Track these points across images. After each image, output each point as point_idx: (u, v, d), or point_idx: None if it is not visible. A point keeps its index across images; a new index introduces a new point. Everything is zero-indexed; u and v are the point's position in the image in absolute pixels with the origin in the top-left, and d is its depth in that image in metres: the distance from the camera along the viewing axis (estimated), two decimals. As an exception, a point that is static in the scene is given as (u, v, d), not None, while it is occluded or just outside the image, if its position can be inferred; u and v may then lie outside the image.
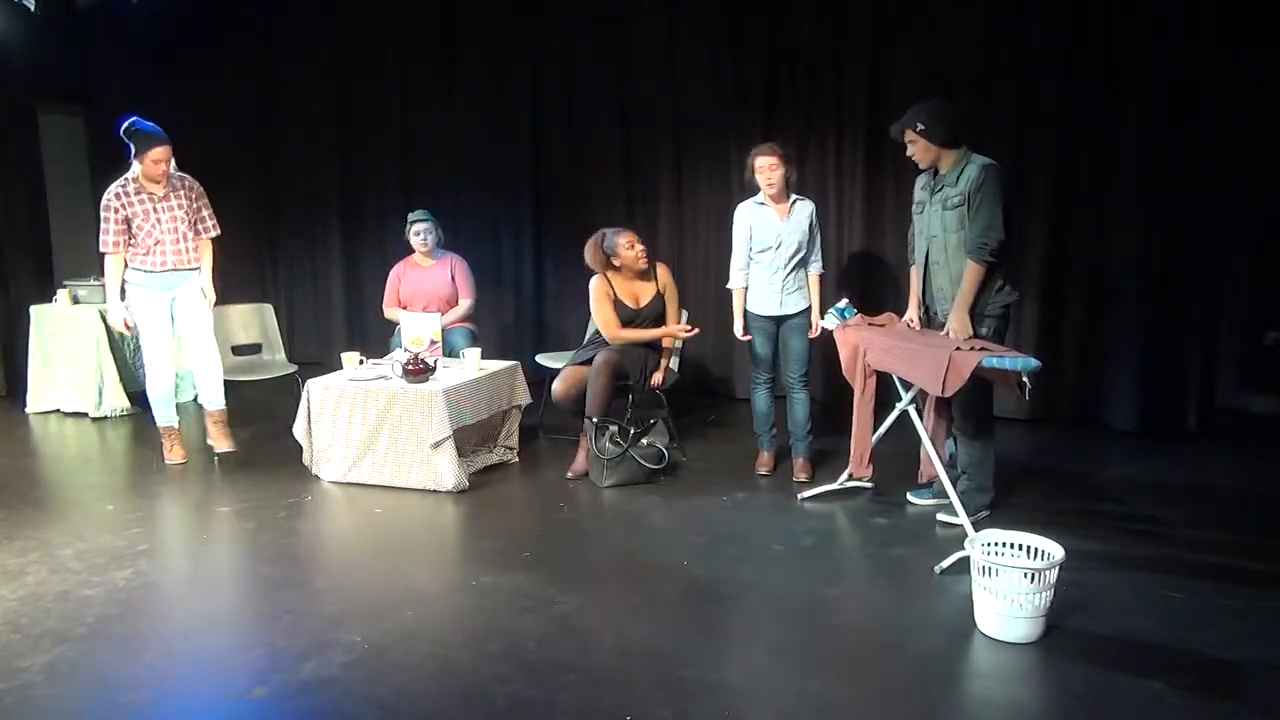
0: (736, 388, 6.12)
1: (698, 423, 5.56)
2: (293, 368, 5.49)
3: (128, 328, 4.71)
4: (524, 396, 4.91)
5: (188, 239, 4.67)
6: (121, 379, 5.85)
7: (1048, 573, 2.87)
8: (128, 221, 4.57)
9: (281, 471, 4.69)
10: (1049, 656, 2.81)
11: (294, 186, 7.33)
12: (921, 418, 3.91)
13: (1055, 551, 2.96)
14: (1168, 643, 2.88)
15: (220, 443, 4.83)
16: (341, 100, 7.04)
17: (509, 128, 6.53)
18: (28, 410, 5.95)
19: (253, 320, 5.77)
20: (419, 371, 4.41)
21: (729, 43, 5.87)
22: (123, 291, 4.70)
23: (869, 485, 4.22)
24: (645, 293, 4.70)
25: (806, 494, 4.22)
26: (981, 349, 3.48)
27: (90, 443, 5.42)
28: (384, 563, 3.63)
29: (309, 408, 4.50)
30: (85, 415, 5.82)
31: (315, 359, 7.04)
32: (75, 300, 5.93)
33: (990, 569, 2.92)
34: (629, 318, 4.64)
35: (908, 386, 3.86)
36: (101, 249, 4.62)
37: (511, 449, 4.88)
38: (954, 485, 3.79)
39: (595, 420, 4.42)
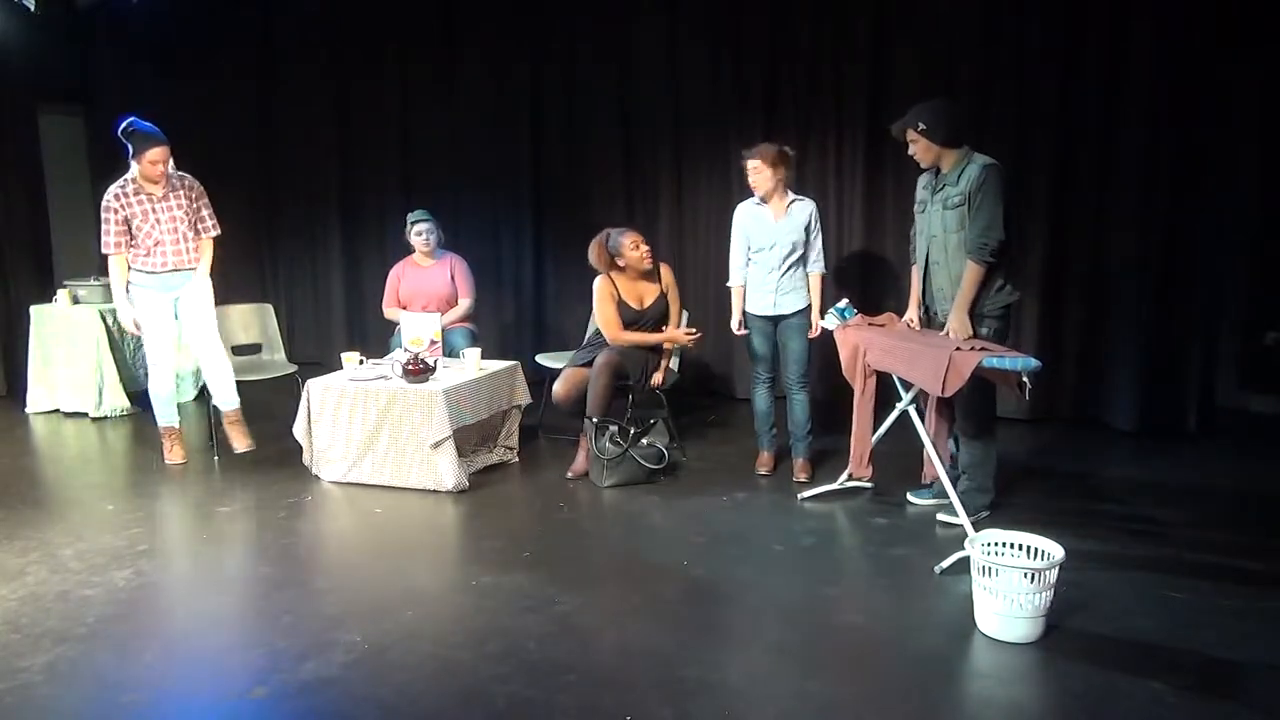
0: (736, 388, 6.12)
1: (698, 423, 5.56)
2: (293, 368, 5.48)
3: (137, 328, 4.71)
4: (524, 396, 4.91)
5: (188, 239, 4.67)
6: (121, 379, 5.85)
7: (1048, 573, 2.87)
8: (127, 222, 4.56)
9: (281, 471, 4.69)
10: (1049, 656, 2.81)
11: (294, 186, 7.33)
12: (923, 418, 3.91)
13: (1055, 551, 2.96)
14: (1168, 643, 2.88)
15: (239, 442, 4.81)
16: (341, 100, 7.04)
17: (509, 128, 6.53)
18: (28, 410, 5.95)
19: (253, 320, 5.76)
20: (419, 371, 4.41)
21: (729, 43, 5.87)
22: (126, 291, 4.70)
23: (869, 485, 4.22)
24: (649, 293, 4.70)
25: (806, 494, 4.22)
26: (981, 349, 3.48)
27: (90, 443, 5.42)
28: (384, 563, 3.63)
29: (309, 408, 4.50)
30: (85, 415, 5.82)
31: (315, 359, 7.04)
32: (75, 300, 5.93)
33: (990, 569, 2.92)
34: (633, 318, 4.64)
35: (908, 387, 3.86)
36: (103, 250, 4.62)
37: (511, 449, 4.88)
38: (955, 485, 3.80)
39: (595, 420, 4.42)
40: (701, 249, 6.14)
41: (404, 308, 5.34)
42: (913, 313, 4.02)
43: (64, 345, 5.87)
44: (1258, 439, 5.14)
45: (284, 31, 7.14)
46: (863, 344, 3.91)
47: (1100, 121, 5.12)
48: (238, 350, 5.77)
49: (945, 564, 3.40)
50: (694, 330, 4.78)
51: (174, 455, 4.85)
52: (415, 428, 4.33)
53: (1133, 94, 5.02)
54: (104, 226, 4.57)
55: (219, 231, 4.79)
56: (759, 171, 4.31)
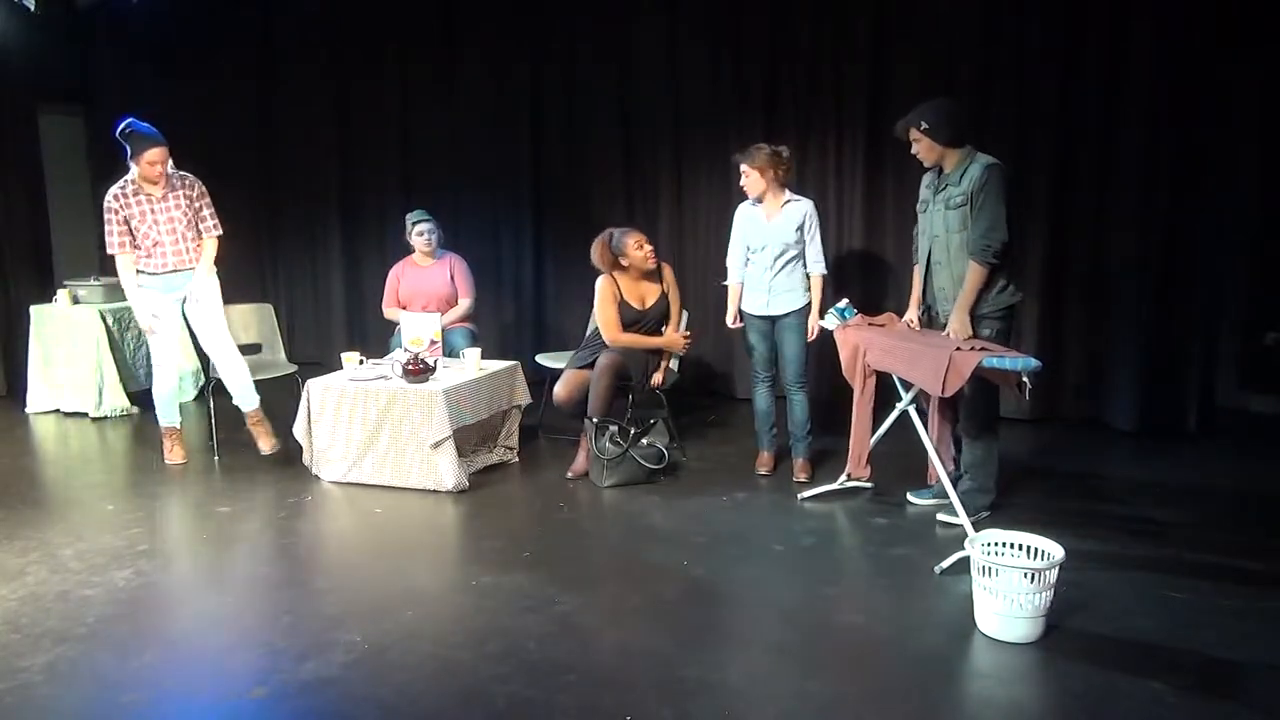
0: (736, 388, 6.12)
1: (698, 423, 5.56)
2: (293, 368, 5.48)
3: (151, 327, 4.70)
4: (524, 396, 4.91)
5: (187, 239, 4.66)
6: (121, 379, 5.85)
7: (1048, 573, 2.87)
8: (127, 222, 4.57)
9: (281, 471, 4.69)
10: (1049, 656, 2.81)
11: (294, 186, 7.33)
12: (924, 419, 3.91)
13: (1055, 551, 2.96)
14: (1168, 643, 2.88)
15: (264, 442, 4.81)
16: (341, 100, 7.04)
17: (509, 128, 6.53)
18: (28, 410, 5.95)
19: (253, 320, 5.76)
20: (419, 371, 4.41)
21: (729, 43, 5.87)
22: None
23: (869, 485, 4.22)
24: (651, 293, 4.71)
25: (806, 494, 4.22)
26: (981, 349, 3.48)
27: (90, 443, 5.42)
28: (384, 563, 3.63)
29: (309, 408, 4.50)
30: (85, 415, 5.82)
31: (315, 359, 7.04)
32: (75, 300, 5.93)
33: (990, 569, 2.92)
34: (634, 319, 4.64)
35: (908, 387, 3.86)
36: (108, 250, 4.63)
37: (511, 449, 4.88)
38: (956, 485, 3.80)
39: (596, 420, 4.42)
40: (701, 249, 6.14)
41: (404, 308, 5.34)
42: (913, 313, 4.02)
43: (64, 345, 5.87)
44: (1258, 439, 5.14)
45: (284, 31, 7.14)
46: (863, 344, 3.91)
47: (1100, 121, 5.12)
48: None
49: (945, 564, 3.40)
50: (688, 334, 4.80)
51: (174, 455, 4.85)
52: (415, 428, 4.33)
53: (1133, 94, 5.02)
54: (107, 227, 4.57)
55: (221, 231, 4.78)
56: (747, 175, 4.35)
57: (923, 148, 3.77)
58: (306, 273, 7.47)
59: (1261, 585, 3.28)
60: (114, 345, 5.84)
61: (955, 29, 5.32)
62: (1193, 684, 2.64)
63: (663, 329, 4.76)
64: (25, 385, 6.02)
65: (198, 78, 7.27)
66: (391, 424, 4.37)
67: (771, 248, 4.35)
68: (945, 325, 3.75)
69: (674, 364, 4.88)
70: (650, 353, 4.70)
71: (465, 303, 5.44)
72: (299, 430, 4.56)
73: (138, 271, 4.64)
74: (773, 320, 4.44)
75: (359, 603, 3.22)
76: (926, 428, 3.89)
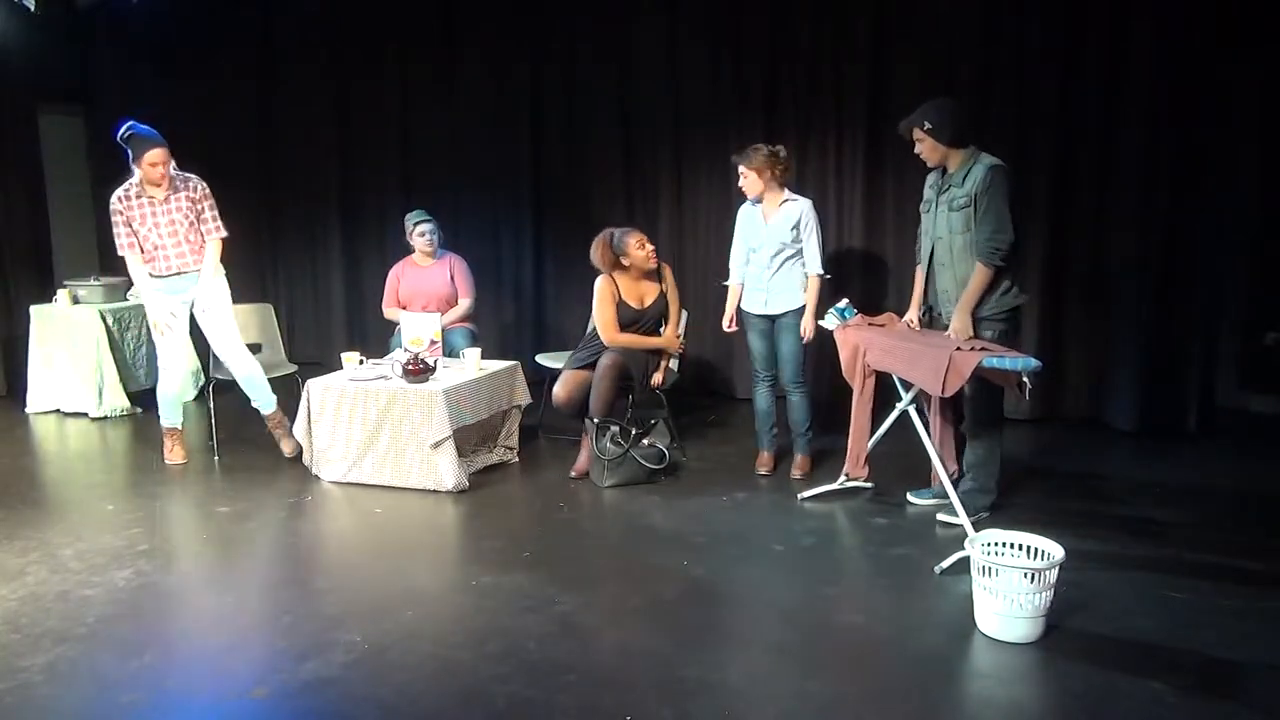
0: (736, 388, 6.12)
1: (698, 423, 5.56)
2: (293, 368, 5.48)
3: (166, 325, 4.69)
4: (524, 396, 4.91)
5: (189, 241, 4.66)
6: (121, 379, 5.85)
7: (1048, 573, 2.87)
8: (130, 224, 4.57)
9: (281, 471, 4.69)
10: (1049, 656, 2.81)
11: (294, 186, 7.33)
12: (924, 419, 3.90)
13: (1055, 551, 2.96)
14: (1168, 643, 2.88)
15: (285, 444, 4.83)
16: (341, 100, 7.03)
17: (509, 128, 6.52)
18: (28, 410, 5.95)
19: (253, 320, 5.75)
20: (419, 371, 4.41)
21: (729, 43, 5.87)
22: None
23: (869, 485, 4.22)
24: (650, 293, 4.71)
25: (806, 494, 4.22)
26: (982, 349, 3.48)
27: (90, 443, 5.42)
28: (384, 563, 3.63)
29: (309, 408, 4.50)
30: (85, 415, 5.82)
31: (315, 359, 7.04)
32: (75, 300, 5.93)
33: (990, 569, 2.92)
34: (633, 318, 4.64)
35: (907, 387, 3.86)
36: (119, 252, 4.64)
37: (511, 449, 4.88)
38: (958, 484, 3.79)
39: (596, 421, 4.42)
40: (701, 249, 6.14)
41: (404, 308, 5.34)
42: (913, 313, 4.02)
43: (64, 345, 5.87)
44: (1258, 439, 5.14)
45: (284, 31, 7.14)
46: (863, 344, 3.91)
47: (1100, 121, 5.12)
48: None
49: (945, 564, 3.40)
50: (680, 336, 4.84)
51: (174, 455, 4.85)
52: (415, 428, 4.33)
53: (1133, 94, 5.02)
54: (114, 230, 4.60)
55: (225, 233, 4.77)
56: (745, 176, 4.36)
57: (926, 148, 3.77)
58: (306, 273, 7.47)
59: (1261, 585, 3.28)
60: (114, 345, 5.84)
61: (955, 29, 5.32)
62: (1193, 684, 2.64)
63: (661, 329, 4.76)
64: (25, 385, 6.02)
65: (198, 78, 7.26)
66: (391, 424, 4.37)
67: (769, 247, 4.36)
68: (948, 326, 3.74)
69: (674, 364, 4.88)
70: (650, 353, 4.70)
71: (465, 303, 5.44)
72: (299, 430, 4.56)
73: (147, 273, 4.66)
74: (772, 320, 4.45)
75: (359, 603, 3.22)
76: (927, 428, 3.88)
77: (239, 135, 7.29)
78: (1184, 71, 4.88)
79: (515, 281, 6.73)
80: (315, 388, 4.51)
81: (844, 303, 4.13)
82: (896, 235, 5.62)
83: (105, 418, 5.79)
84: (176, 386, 4.83)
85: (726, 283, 4.61)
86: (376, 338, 6.16)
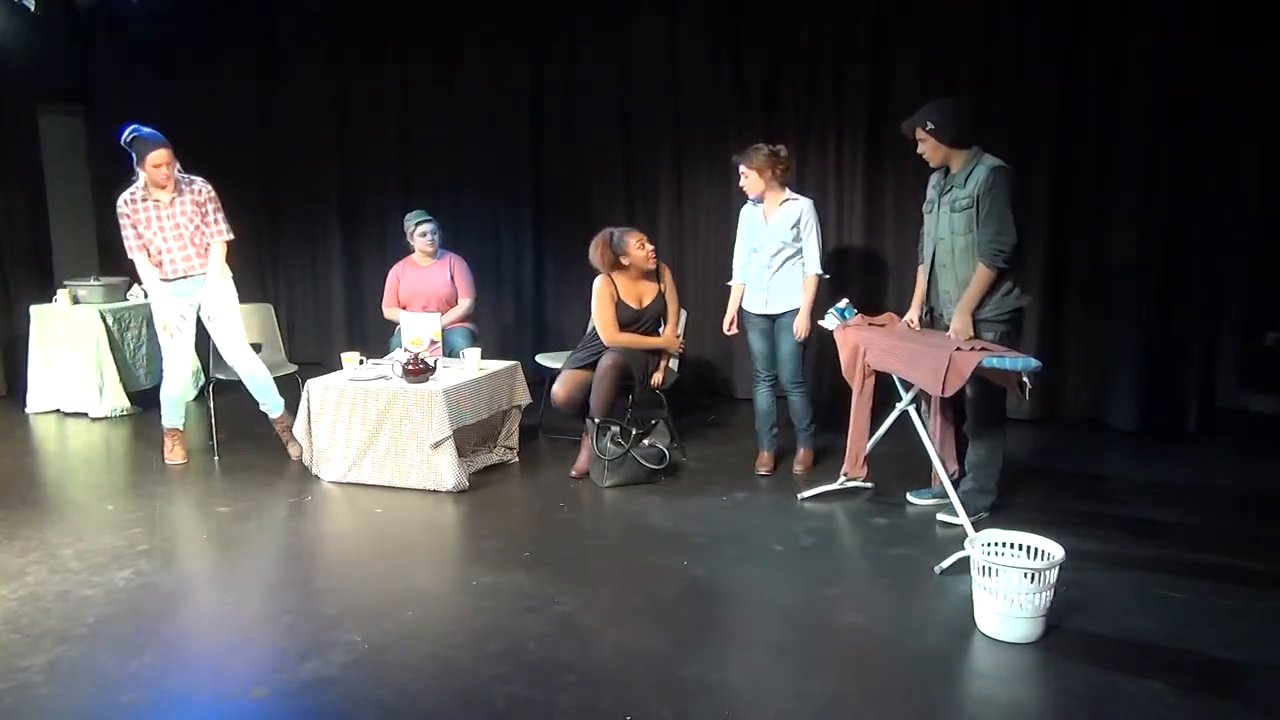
0: (736, 388, 6.12)
1: (698, 423, 5.56)
2: (293, 368, 5.48)
3: (176, 327, 4.69)
4: (524, 396, 4.91)
5: (195, 244, 4.66)
6: (121, 379, 5.85)
7: (1048, 573, 2.87)
8: (136, 226, 4.58)
9: (282, 471, 4.69)
10: (1049, 656, 2.81)
11: (294, 186, 7.32)
12: (924, 419, 3.90)
13: (1055, 551, 2.96)
14: (1168, 643, 2.88)
15: (292, 448, 4.83)
16: (341, 100, 7.03)
17: (509, 128, 6.52)
18: (28, 410, 5.95)
19: (253, 320, 5.74)
20: (419, 371, 4.41)
21: (729, 43, 5.87)
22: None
23: (869, 485, 4.22)
24: (649, 292, 4.71)
25: (806, 494, 4.22)
26: (982, 349, 3.47)
27: (90, 443, 5.42)
28: (384, 563, 3.63)
29: (309, 408, 4.50)
30: (85, 415, 5.82)
31: (315, 359, 7.04)
32: (75, 300, 5.93)
33: (990, 569, 2.92)
34: (632, 318, 4.64)
35: (908, 387, 3.86)
36: (128, 255, 4.66)
37: (511, 449, 4.88)
38: (959, 484, 3.79)
39: (597, 421, 4.42)
40: (701, 249, 6.14)
41: (404, 308, 5.34)
42: (914, 313, 4.02)
43: (64, 345, 5.87)
44: (1258, 439, 5.14)
45: (284, 31, 7.14)
46: (863, 344, 3.90)
47: (1100, 121, 5.12)
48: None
49: (945, 564, 3.40)
50: (679, 336, 4.85)
51: (174, 455, 4.85)
52: (415, 428, 4.33)
53: (1133, 94, 5.02)
54: (122, 232, 4.60)
55: (231, 236, 4.77)
56: (746, 176, 4.38)
57: (928, 148, 3.76)
58: (306, 273, 7.47)
59: (1261, 585, 3.28)
60: (114, 345, 5.83)
61: (955, 29, 5.32)
62: (1193, 684, 2.64)
63: (660, 329, 4.76)
64: (25, 385, 6.02)
65: (198, 78, 7.26)
66: (391, 424, 4.37)
67: (770, 246, 4.38)
68: (948, 327, 3.73)
69: (674, 364, 4.88)
70: (650, 352, 4.70)
71: (465, 303, 5.44)
72: (299, 430, 4.56)
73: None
74: (772, 319, 4.45)
75: (359, 603, 3.22)
76: (927, 428, 3.88)
77: (239, 135, 7.29)
78: (1184, 71, 4.88)
79: (515, 281, 6.73)
80: (315, 388, 4.51)
81: (844, 303, 4.13)
82: (896, 235, 5.62)
83: (105, 418, 5.79)
84: (180, 388, 4.83)
85: (731, 283, 4.61)
86: (376, 338, 6.16)
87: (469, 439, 4.64)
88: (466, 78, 6.60)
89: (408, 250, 5.52)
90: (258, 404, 4.92)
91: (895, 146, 5.33)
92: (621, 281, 4.65)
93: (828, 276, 4.57)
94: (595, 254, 4.64)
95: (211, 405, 5.09)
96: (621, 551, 3.78)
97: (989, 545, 3.08)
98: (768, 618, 3.16)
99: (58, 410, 5.93)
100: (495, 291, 6.60)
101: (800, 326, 4.36)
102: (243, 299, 5.49)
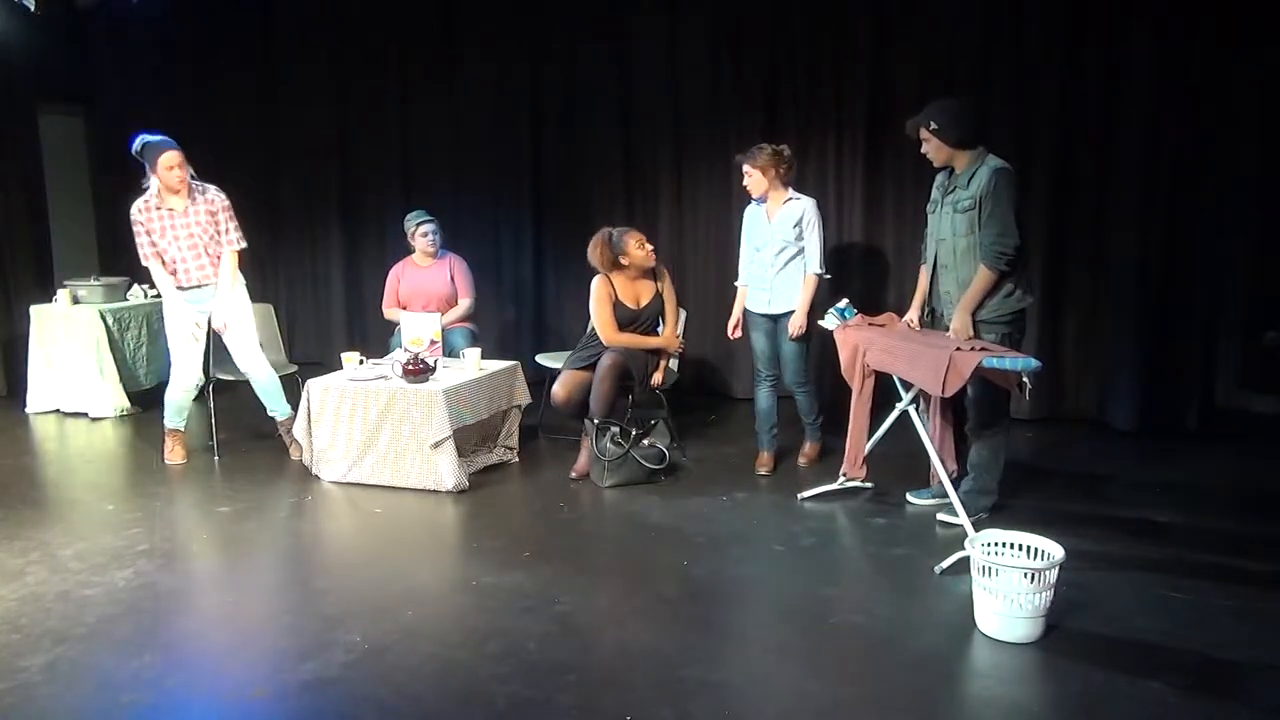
0: (736, 388, 6.12)
1: (698, 423, 5.56)
2: (293, 368, 5.48)
3: (190, 336, 4.72)
4: (524, 396, 4.91)
5: (208, 253, 4.67)
6: (121, 379, 5.85)
7: (1048, 573, 2.87)
8: (150, 234, 4.59)
9: (281, 471, 4.69)
10: (1049, 656, 2.81)
11: (294, 186, 7.32)
12: (924, 419, 3.90)
13: (1055, 551, 2.96)
14: (1168, 643, 2.88)
15: (294, 450, 4.84)
16: (341, 100, 7.03)
17: (509, 128, 6.52)
18: (28, 410, 5.95)
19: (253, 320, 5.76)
20: (419, 371, 4.41)
21: (729, 43, 5.87)
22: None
23: (868, 485, 4.22)
24: (646, 292, 4.71)
25: (806, 494, 4.22)
26: (982, 349, 3.47)
27: (90, 443, 5.41)
28: (384, 563, 3.63)
29: (309, 408, 4.50)
30: (85, 415, 5.82)
31: (315, 359, 7.05)
32: (75, 300, 5.93)
33: (990, 569, 2.92)
34: (629, 318, 4.64)
35: (908, 387, 3.86)
36: (143, 262, 4.67)
37: (511, 449, 4.88)
38: (959, 484, 3.79)
39: (597, 421, 4.42)
40: (701, 249, 6.14)
41: (404, 308, 5.34)
42: (914, 313, 4.02)
43: (64, 345, 5.87)
44: (1258, 439, 5.14)
45: (284, 31, 7.14)
46: (863, 344, 3.90)
47: (1100, 121, 5.12)
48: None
49: (945, 564, 3.40)
50: (679, 336, 4.86)
51: (174, 455, 4.85)
52: (415, 428, 4.33)
53: (1133, 94, 5.02)
54: (136, 240, 4.61)
55: (244, 245, 4.78)
56: (750, 175, 4.39)
57: (932, 148, 3.76)
58: (306, 273, 7.47)
59: (1261, 585, 3.28)
60: (114, 345, 5.83)
61: (955, 29, 5.32)
62: (1193, 684, 2.64)
63: (659, 329, 4.76)
64: (25, 385, 6.02)
65: (198, 78, 7.26)
66: (391, 424, 4.37)
67: (773, 245, 4.38)
68: (949, 328, 3.73)
69: (673, 363, 4.88)
70: (650, 352, 4.70)
71: (465, 303, 5.44)
72: (299, 430, 4.56)
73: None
74: (775, 319, 4.45)
75: (359, 603, 3.22)
76: (926, 428, 3.88)
77: (239, 135, 7.28)
78: (1184, 71, 4.88)
79: (515, 281, 6.73)
80: (315, 388, 4.51)
81: (844, 303, 4.13)
82: (896, 235, 5.63)
83: (105, 418, 5.79)
84: (185, 393, 4.83)
85: (738, 283, 4.62)
86: (376, 338, 6.16)
87: (469, 439, 4.64)
88: (466, 78, 6.60)
89: (408, 250, 5.52)
90: (262, 406, 4.93)
91: (895, 147, 5.35)
92: (619, 281, 4.65)
93: (829, 276, 4.57)
94: (594, 254, 4.64)
95: (211, 405, 5.09)
96: (621, 551, 3.78)
97: (989, 545, 3.08)
98: (768, 618, 3.16)
99: (58, 410, 5.93)
100: (495, 291, 6.60)
101: (796, 325, 4.36)
102: (243, 299, 5.49)
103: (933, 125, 3.69)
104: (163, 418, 4.87)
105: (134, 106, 7.21)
